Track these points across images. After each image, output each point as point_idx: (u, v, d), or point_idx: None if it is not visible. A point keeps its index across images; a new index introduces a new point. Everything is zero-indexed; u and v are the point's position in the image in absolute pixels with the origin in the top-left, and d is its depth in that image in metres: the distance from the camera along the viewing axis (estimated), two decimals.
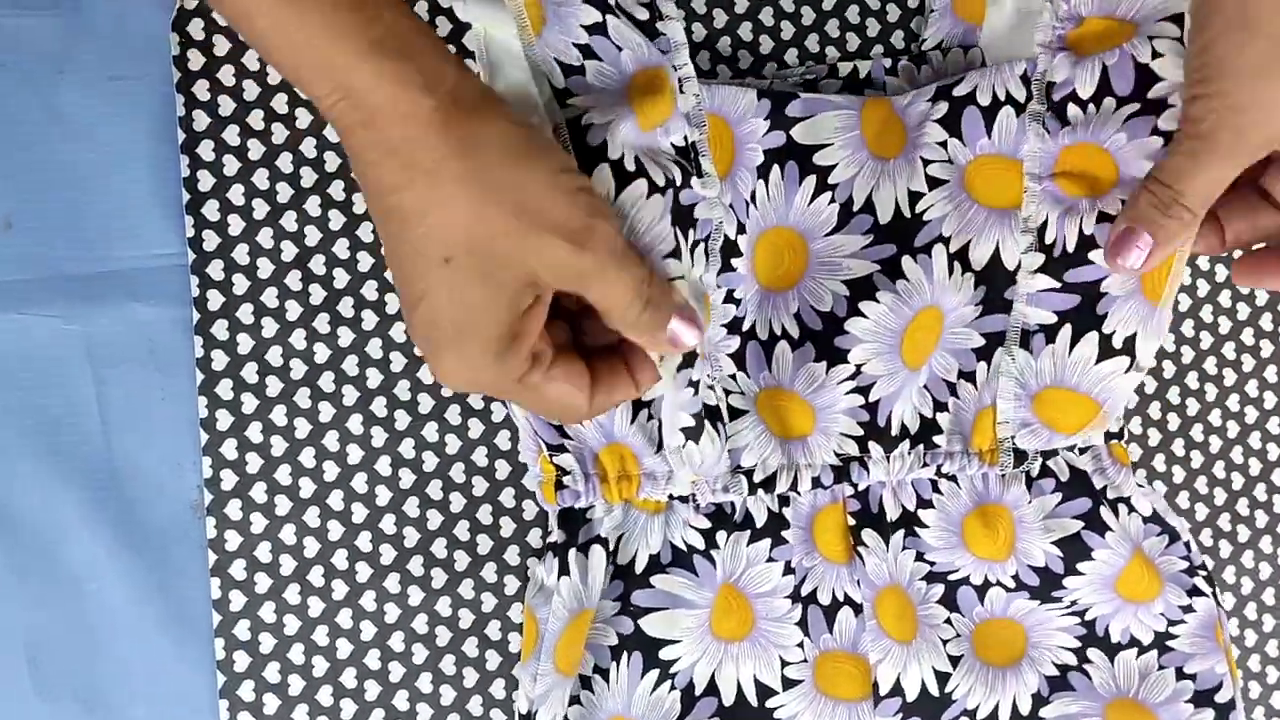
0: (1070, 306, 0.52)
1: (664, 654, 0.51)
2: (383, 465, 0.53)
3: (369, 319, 0.53)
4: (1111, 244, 0.48)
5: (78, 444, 0.51)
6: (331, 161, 0.53)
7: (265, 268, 0.53)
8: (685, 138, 0.50)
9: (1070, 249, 0.52)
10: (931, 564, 0.54)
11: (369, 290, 0.54)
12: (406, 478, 0.54)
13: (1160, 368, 0.59)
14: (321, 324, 0.53)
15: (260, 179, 0.53)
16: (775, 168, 0.53)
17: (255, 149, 0.53)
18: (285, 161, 0.53)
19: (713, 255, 0.51)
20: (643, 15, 0.52)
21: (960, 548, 0.54)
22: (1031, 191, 0.52)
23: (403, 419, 0.54)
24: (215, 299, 0.52)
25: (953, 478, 0.54)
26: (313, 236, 0.53)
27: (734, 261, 0.52)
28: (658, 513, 0.52)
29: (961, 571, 0.54)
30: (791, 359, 0.53)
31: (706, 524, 0.52)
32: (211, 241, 0.52)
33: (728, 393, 0.52)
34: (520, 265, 0.41)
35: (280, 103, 0.53)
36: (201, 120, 0.53)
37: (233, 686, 0.52)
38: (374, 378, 0.54)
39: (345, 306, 0.53)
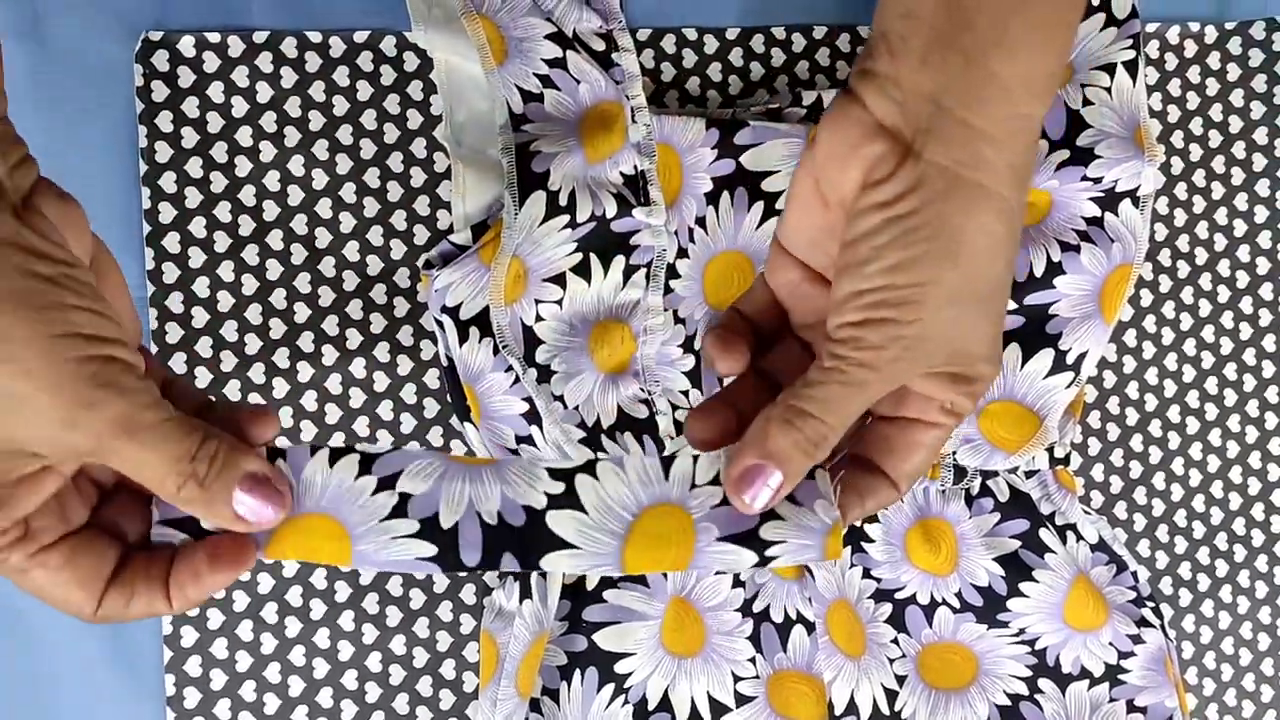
0: (1015, 327, 0.54)
1: (619, 668, 0.52)
2: None
3: (329, 354, 0.53)
4: (736, 480, 0.39)
5: None
6: (295, 195, 0.53)
7: (225, 301, 0.53)
8: (635, 166, 0.52)
9: (1038, 274, 0.54)
10: (878, 580, 0.55)
11: (330, 325, 0.53)
12: None
13: (1123, 414, 0.59)
14: (281, 358, 0.53)
15: (222, 212, 0.53)
16: (725, 194, 0.54)
17: (218, 182, 0.53)
18: (248, 195, 0.53)
19: (656, 279, 0.53)
20: (599, 46, 0.54)
21: (903, 561, 0.55)
22: None
23: None
24: (174, 332, 0.52)
25: None
26: (274, 271, 0.53)
27: (673, 284, 0.54)
28: None
29: (908, 589, 0.55)
30: None
31: None
32: (171, 274, 0.52)
33: (675, 407, 0.53)
34: (3, 429, 0.34)
35: (244, 135, 0.53)
36: (164, 152, 0.52)
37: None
38: (333, 413, 0.53)
39: (305, 341, 0.53)
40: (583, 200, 0.51)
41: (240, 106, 0.53)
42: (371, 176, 0.54)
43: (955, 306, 0.37)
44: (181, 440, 0.36)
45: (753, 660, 0.53)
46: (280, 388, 0.53)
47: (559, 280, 0.51)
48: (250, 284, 0.53)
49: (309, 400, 0.53)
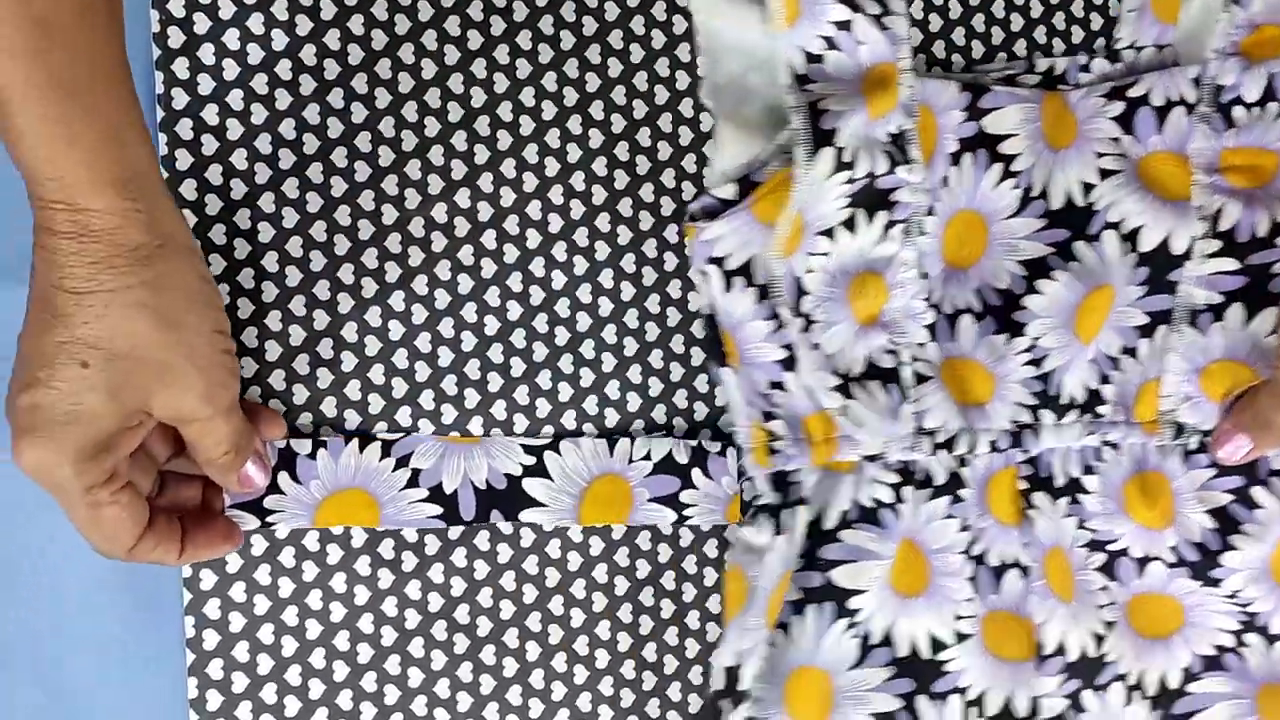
0: (1239, 286, 0.56)
1: (850, 603, 0.54)
2: None
3: (345, 302, 0.54)
4: (1215, 440, 0.56)
5: None
6: (310, 143, 0.53)
7: (242, 249, 0.53)
8: (899, 126, 0.53)
9: (1261, 234, 0.56)
10: (1093, 531, 0.57)
11: (345, 274, 0.54)
12: None
13: None
14: (297, 306, 0.53)
15: (239, 159, 0.53)
16: (967, 154, 0.57)
17: (234, 129, 0.53)
18: (264, 142, 0.53)
19: (913, 235, 0.55)
20: (875, 10, 0.53)
21: (1120, 514, 0.57)
22: (1200, 184, 0.56)
23: None
24: None
25: (1115, 445, 0.57)
26: (290, 218, 0.53)
27: (918, 241, 0.55)
28: (849, 473, 0.55)
29: (1121, 542, 0.57)
30: (975, 331, 0.56)
31: (895, 478, 0.55)
32: (189, 221, 0.52)
33: (915, 359, 0.55)
34: (146, 393, 0.43)
35: (260, 83, 0.53)
36: (180, 99, 0.52)
37: (201, 664, 0.52)
38: (348, 361, 0.54)
39: (321, 289, 0.54)
40: (862, 157, 0.52)
41: (256, 54, 0.53)
42: (386, 126, 0.54)
43: None
44: (242, 420, 0.48)
45: (970, 600, 0.56)
46: (296, 334, 0.53)
47: (829, 234, 0.53)
48: (266, 232, 0.53)
49: (325, 348, 0.53)
